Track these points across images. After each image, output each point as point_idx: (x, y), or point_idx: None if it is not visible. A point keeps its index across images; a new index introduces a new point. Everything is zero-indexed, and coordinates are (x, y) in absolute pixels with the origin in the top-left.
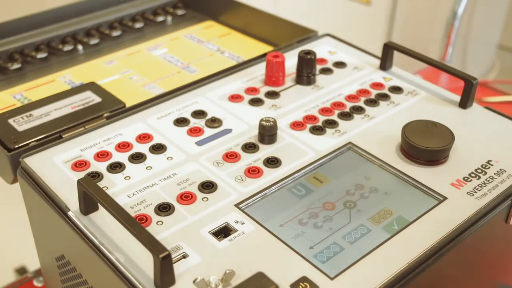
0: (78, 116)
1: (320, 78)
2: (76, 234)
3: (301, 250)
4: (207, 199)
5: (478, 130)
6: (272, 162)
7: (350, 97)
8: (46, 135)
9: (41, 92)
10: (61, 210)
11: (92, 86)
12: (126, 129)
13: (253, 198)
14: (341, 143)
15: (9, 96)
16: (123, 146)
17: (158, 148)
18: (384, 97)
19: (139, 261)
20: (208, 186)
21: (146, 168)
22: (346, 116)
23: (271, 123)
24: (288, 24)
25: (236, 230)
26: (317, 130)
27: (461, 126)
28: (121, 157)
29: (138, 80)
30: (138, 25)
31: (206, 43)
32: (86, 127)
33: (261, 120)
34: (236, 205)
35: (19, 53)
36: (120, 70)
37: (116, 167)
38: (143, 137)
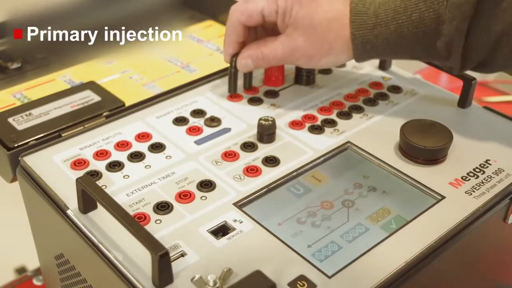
0: (77, 115)
1: (319, 78)
2: (75, 232)
3: (299, 249)
4: (206, 198)
5: (477, 129)
6: (271, 161)
7: (349, 97)
8: (45, 134)
9: (41, 91)
10: (60, 208)
11: (91, 85)
12: (125, 128)
13: (252, 197)
14: (340, 142)
15: (9, 95)
16: (122, 145)
17: (157, 147)
18: (383, 96)
19: (138, 259)
20: (206, 185)
21: (145, 167)
22: (345, 115)
23: (270, 122)
24: None
25: (234, 229)
26: (316, 129)
27: (459, 126)
28: (120, 156)
29: (137, 79)
30: (138, 24)
31: (206, 42)
32: (86, 126)
33: (260, 119)
34: (235, 204)
35: (19, 52)
36: (120, 70)
37: (115, 166)
38: (142, 136)
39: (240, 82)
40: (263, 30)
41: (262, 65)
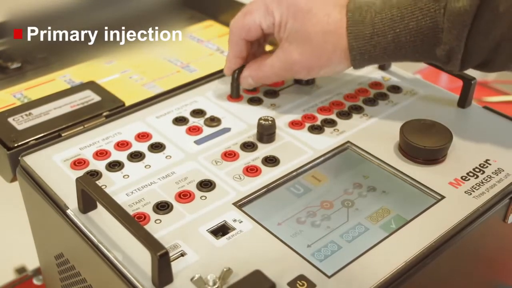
0: (77, 115)
1: (319, 78)
2: (74, 232)
3: (298, 249)
4: (206, 197)
5: (476, 129)
6: (271, 161)
7: (348, 97)
8: (45, 133)
9: (41, 91)
10: (60, 208)
11: (91, 85)
12: (125, 128)
13: (251, 197)
14: (340, 142)
15: (9, 95)
16: (122, 145)
17: (157, 147)
18: (383, 96)
19: (137, 259)
20: (206, 185)
21: (145, 166)
22: (344, 115)
23: (270, 122)
24: None
25: (234, 229)
26: (316, 129)
27: (459, 126)
28: (120, 155)
29: (137, 79)
30: (138, 24)
31: (206, 42)
32: (85, 126)
33: (260, 119)
34: (234, 204)
35: (19, 52)
36: (120, 70)
37: (115, 166)
38: (142, 136)
39: None
40: (264, 44)
41: (264, 82)
